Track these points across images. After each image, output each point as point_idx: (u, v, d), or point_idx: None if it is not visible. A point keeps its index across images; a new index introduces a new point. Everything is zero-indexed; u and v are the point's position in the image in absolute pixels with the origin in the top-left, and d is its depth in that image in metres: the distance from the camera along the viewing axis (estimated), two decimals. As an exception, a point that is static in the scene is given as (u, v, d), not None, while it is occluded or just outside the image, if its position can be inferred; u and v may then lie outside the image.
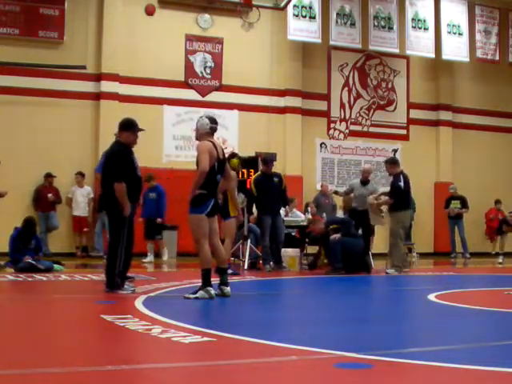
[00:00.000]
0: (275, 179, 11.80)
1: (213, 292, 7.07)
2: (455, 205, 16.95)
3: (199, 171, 7.04)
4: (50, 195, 14.52)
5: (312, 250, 14.31)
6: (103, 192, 7.71)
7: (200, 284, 7.16)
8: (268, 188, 11.57)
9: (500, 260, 15.19)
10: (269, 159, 11.99)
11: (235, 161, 10.65)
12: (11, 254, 10.69)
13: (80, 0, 15.44)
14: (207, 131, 7.27)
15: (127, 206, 7.42)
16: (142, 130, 7.78)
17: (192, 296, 7.01)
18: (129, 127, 7.71)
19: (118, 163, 7.47)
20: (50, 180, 14.70)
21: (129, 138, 7.66)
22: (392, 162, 11.76)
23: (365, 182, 12.61)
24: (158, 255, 15.06)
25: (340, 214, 14.37)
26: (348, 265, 11.04)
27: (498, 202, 18.04)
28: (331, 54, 17.68)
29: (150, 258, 13.59)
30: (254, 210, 12.01)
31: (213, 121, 7.35)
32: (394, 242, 11.36)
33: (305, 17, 16.24)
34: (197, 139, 7.44)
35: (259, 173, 11.94)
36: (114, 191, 7.40)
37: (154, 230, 13.58)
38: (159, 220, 13.54)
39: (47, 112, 14.92)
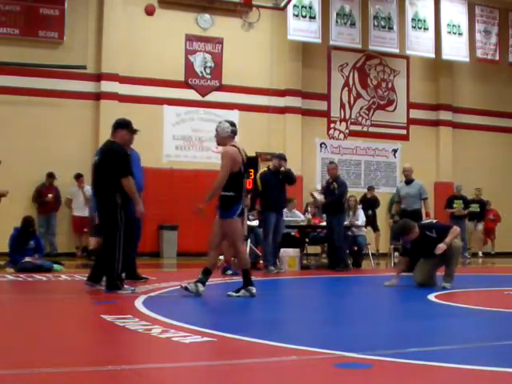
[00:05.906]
0: (281, 176, 11.73)
1: (254, 291, 7.21)
2: (458, 204, 16.92)
3: (220, 177, 7.10)
4: (49, 195, 14.44)
5: (312, 250, 14.33)
6: (99, 192, 7.47)
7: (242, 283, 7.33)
8: (274, 185, 11.49)
9: None
10: (283, 155, 11.98)
11: None
12: (11, 253, 10.70)
13: (80, 0, 15.44)
14: (229, 135, 7.32)
15: (139, 202, 7.41)
16: (137, 130, 7.76)
17: (234, 294, 7.20)
18: (125, 126, 7.61)
19: (120, 161, 7.33)
20: (50, 180, 14.64)
21: (125, 137, 7.57)
22: None
23: (408, 181, 11.98)
24: (157, 255, 15.11)
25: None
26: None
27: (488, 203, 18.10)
28: (331, 54, 17.68)
29: None
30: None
31: (233, 124, 7.43)
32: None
33: (305, 17, 16.23)
34: (218, 144, 7.52)
35: (265, 169, 11.89)
36: (109, 191, 7.27)
37: None
38: None
39: (47, 112, 14.91)
